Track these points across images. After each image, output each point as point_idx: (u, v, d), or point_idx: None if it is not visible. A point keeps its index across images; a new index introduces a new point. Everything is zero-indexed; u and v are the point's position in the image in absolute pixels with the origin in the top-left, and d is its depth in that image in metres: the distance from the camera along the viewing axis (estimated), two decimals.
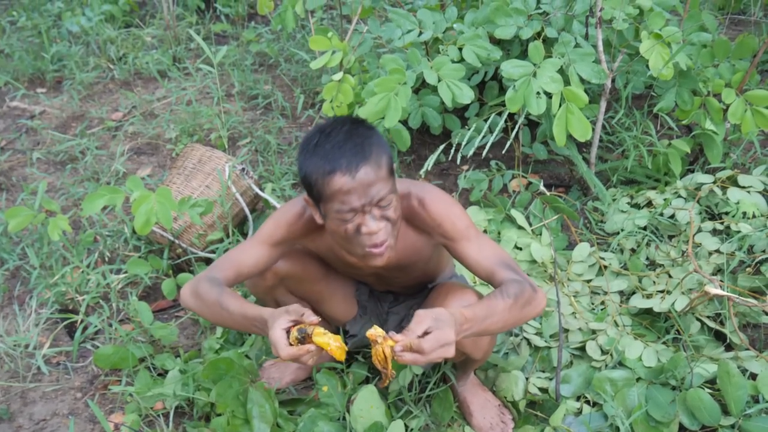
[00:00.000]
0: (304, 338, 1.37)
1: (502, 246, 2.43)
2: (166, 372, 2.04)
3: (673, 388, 1.85)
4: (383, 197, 1.42)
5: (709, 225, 2.37)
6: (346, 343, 1.96)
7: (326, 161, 1.39)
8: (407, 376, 1.92)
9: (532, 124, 2.93)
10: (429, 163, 2.57)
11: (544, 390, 1.96)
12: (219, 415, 1.84)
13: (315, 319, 1.40)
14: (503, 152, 2.93)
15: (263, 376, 2.04)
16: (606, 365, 1.98)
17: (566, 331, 2.10)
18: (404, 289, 1.92)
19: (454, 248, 1.59)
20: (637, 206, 2.62)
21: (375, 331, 1.33)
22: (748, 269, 2.22)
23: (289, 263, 1.74)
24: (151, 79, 4.00)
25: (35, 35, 4.39)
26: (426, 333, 1.29)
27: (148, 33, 4.41)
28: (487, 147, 2.58)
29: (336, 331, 1.99)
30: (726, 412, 1.76)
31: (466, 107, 2.97)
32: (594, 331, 2.09)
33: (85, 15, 4.42)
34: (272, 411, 1.81)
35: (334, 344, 1.37)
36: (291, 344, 1.37)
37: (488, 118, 2.66)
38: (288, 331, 1.39)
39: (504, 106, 2.43)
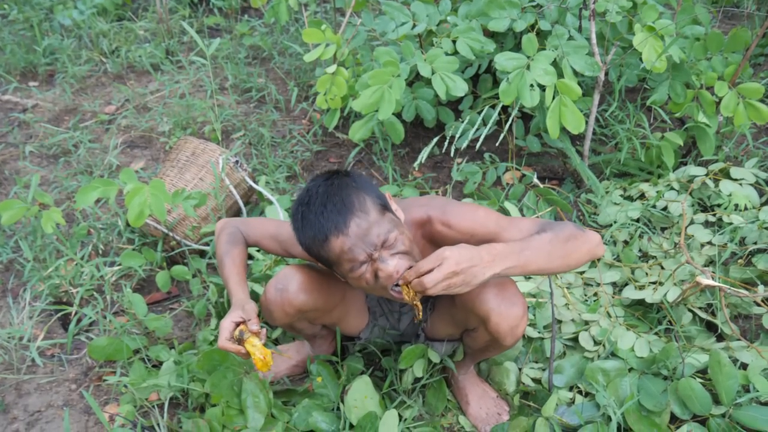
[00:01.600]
0: (240, 340, 1.55)
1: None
2: (161, 363, 2.04)
3: (665, 378, 1.86)
4: (385, 239, 1.44)
5: (701, 217, 2.38)
6: (354, 343, 1.99)
7: (316, 231, 1.42)
8: (420, 365, 1.92)
9: (525, 117, 2.93)
10: (423, 156, 2.57)
11: (537, 381, 1.97)
12: (214, 405, 1.84)
13: (255, 329, 1.55)
14: (497, 145, 2.93)
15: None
16: (598, 356, 2.00)
17: (559, 322, 2.11)
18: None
19: (496, 242, 1.58)
20: (630, 198, 2.63)
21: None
22: (739, 261, 2.23)
23: (311, 297, 1.70)
24: (144, 73, 3.99)
25: (27, 28, 4.36)
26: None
27: (140, 26, 4.39)
28: (481, 139, 2.58)
29: (347, 340, 2.03)
30: (717, 401, 1.77)
31: (459, 100, 2.98)
32: (587, 322, 2.10)
33: (77, 8, 4.40)
34: (266, 401, 1.82)
35: (258, 355, 1.53)
36: (232, 338, 1.55)
37: (482, 111, 2.67)
38: (237, 325, 1.56)
39: (497, 98, 2.44)
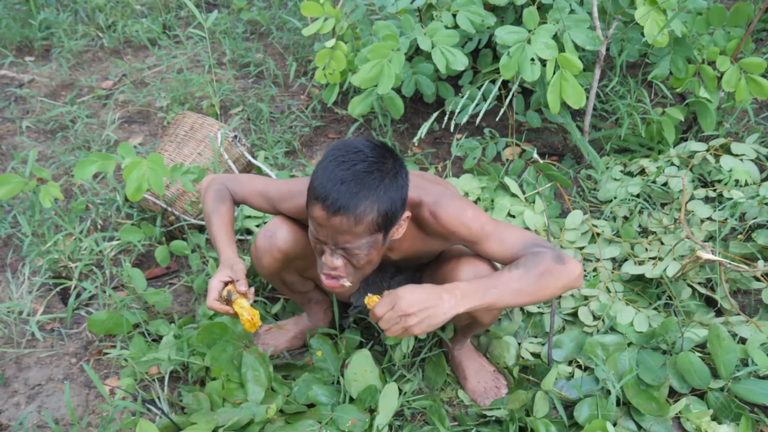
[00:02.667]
0: (228, 301, 1.56)
1: (495, 214, 2.44)
2: (161, 338, 2.05)
3: (664, 353, 1.87)
4: (350, 248, 1.43)
5: (701, 192, 2.38)
6: (348, 313, 1.99)
7: (321, 187, 1.38)
8: (410, 343, 1.93)
9: (525, 92, 2.92)
10: (422, 131, 2.56)
11: (536, 355, 1.98)
12: (214, 379, 1.85)
13: (243, 289, 1.56)
14: (497, 120, 2.92)
15: (257, 342, 2.05)
16: (598, 330, 2.00)
17: (558, 297, 2.11)
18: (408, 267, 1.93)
19: (475, 249, 1.58)
20: (630, 174, 2.62)
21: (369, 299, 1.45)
22: (739, 236, 2.23)
23: (298, 243, 1.72)
24: (141, 47, 3.95)
25: (22, 2, 4.31)
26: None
27: (137, 1, 4.34)
28: (481, 115, 2.57)
29: (343, 307, 2.00)
30: (716, 375, 1.78)
31: (459, 75, 2.96)
32: (586, 297, 2.10)
33: None
34: (267, 375, 1.83)
35: (246, 316, 1.53)
36: (220, 298, 1.56)
37: (482, 86, 2.65)
38: (225, 284, 1.57)
39: (498, 73, 2.42)
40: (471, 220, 1.53)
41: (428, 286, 1.38)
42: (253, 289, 1.59)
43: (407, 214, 1.49)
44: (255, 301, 2.18)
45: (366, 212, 1.37)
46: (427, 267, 1.86)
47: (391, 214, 1.41)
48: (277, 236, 1.70)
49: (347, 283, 1.50)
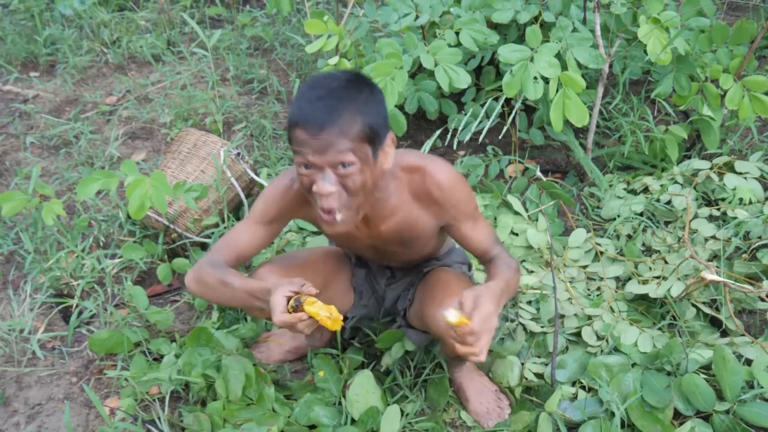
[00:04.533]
0: (298, 307, 1.40)
1: (498, 232, 2.43)
2: (162, 357, 2.04)
3: (669, 374, 1.85)
4: (341, 162, 1.34)
5: (705, 211, 2.37)
6: (344, 327, 1.98)
7: (298, 112, 1.34)
8: (399, 349, 1.93)
9: (528, 110, 2.92)
10: (425, 148, 2.56)
11: (539, 375, 1.97)
12: (215, 399, 1.84)
13: (313, 290, 1.42)
14: (500, 137, 2.92)
15: (253, 352, 2.06)
16: (601, 351, 1.99)
17: (562, 316, 2.10)
18: (403, 264, 1.90)
19: (457, 228, 1.59)
20: (633, 192, 2.61)
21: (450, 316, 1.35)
22: (744, 255, 2.22)
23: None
24: (146, 63, 3.97)
25: (28, 18, 4.34)
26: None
27: (142, 16, 4.36)
28: (484, 132, 2.57)
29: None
30: (721, 397, 1.76)
31: (462, 92, 2.96)
32: (590, 317, 2.09)
33: None
34: (268, 396, 1.82)
35: (323, 314, 1.38)
36: (288, 312, 1.40)
37: (485, 103, 2.65)
38: (288, 300, 1.41)
39: (501, 91, 2.42)
40: (468, 197, 1.58)
41: (486, 293, 1.37)
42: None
43: (392, 135, 1.44)
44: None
45: (350, 122, 1.32)
46: (420, 284, 1.85)
47: (375, 126, 1.37)
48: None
49: (339, 215, 1.41)
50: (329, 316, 1.39)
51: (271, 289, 1.44)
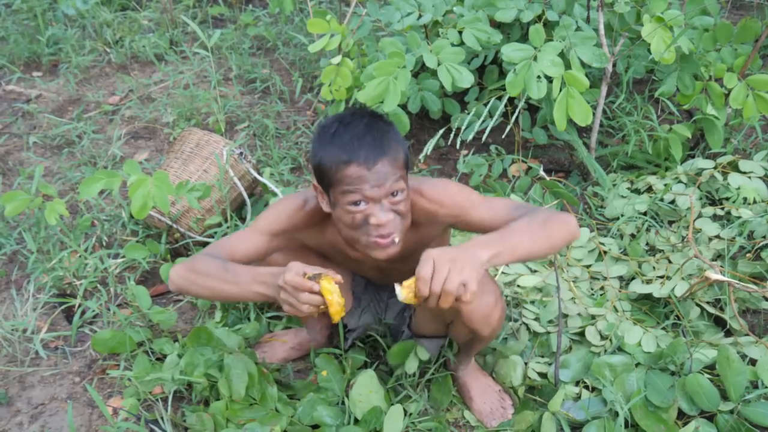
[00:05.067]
0: (314, 279, 1.34)
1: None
2: (165, 356, 2.03)
3: (672, 374, 1.84)
4: (396, 190, 1.43)
5: (709, 210, 2.36)
6: (346, 337, 1.97)
7: (344, 151, 1.39)
8: (413, 362, 1.91)
9: (532, 109, 2.91)
10: (428, 148, 2.55)
11: (543, 375, 1.96)
12: (218, 399, 1.84)
13: (338, 277, 1.36)
14: (503, 137, 2.91)
15: (256, 352, 2.06)
16: (605, 350, 1.98)
17: (565, 316, 2.09)
18: (404, 277, 1.90)
19: (465, 221, 1.58)
20: (637, 191, 2.61)
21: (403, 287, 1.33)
22: (748, 255, 2.21)
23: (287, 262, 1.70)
24: (148, 63, 3.97)
25: (30, 18, 4.34)
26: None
27: (144, 16, 4.37)
28: (487, 131, 2.56)
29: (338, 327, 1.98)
30: (725, 397, 1.75)
31: (465, 91, 2.95)
32: (593, 317, 2.08)
33: None
34: (270, 395, 1.82)
35: (336, 298, 1.33)
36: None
37: (488, 103, 2.64)
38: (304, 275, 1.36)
39: (504, 90, 2.41)
40: (457, 192, 1.57)
41: (445, 248, 1.33)
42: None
43: None
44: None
45: (396, 152, 1.42)
46: None
47: (407, 152, 1.48)
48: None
49: (397, 239, 1.46)
50: (339, 301, 1.34)
51: (289, 264, 1.39)
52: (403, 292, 1.32)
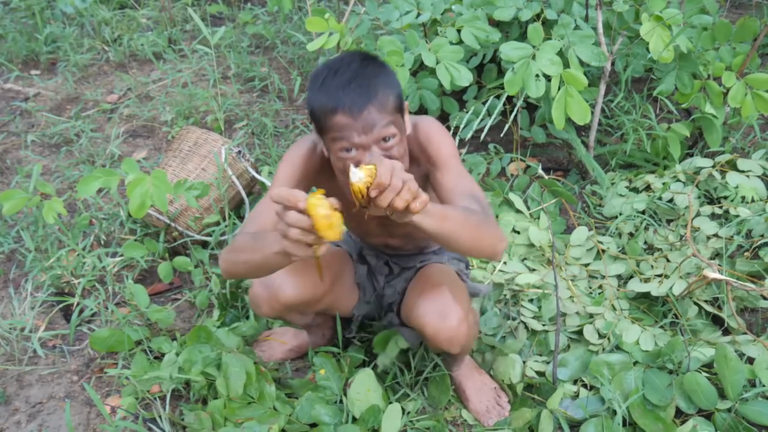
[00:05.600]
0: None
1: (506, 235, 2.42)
2: (163, 355, 2.03)
3: (670, 372, 1.85)
4: (386, 135, 1.39)
5: (707, 209, 2.36)
6: (351, 328, 1.97)
7: (330, 99, 1.37)
8: (393, 350, 1.93)
9: (530, 107, 2.91)
10: None
11: (541, 373, 1.96)
12: (216, 398, 1.84)
13: (334, 201, 1.15)
14: (501, 135, 2.91)
15: (255, 351, 2.06)
16: (603, 349, 1.98)
17: (564, 314, 2.09)
18: (403, 242, 1.87)
19: (434, 175, 1.54)
20: (635, 190, 2.61)
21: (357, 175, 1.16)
22: (746, 253, 2.21)
23: (298, 293, 1.67)
24: (147, 61, 3.97)
25: (29, 16, 4.34)
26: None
27: (143, 14, 4.36)
28: (486, 130, 2.56)
29: (344, 322, 1.97)
30: (723, 396, 1.76)
31: (464, 90, 2.95)
32: (591, 315, 2.08)
33: None
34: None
35: (322, 211, 1.11)
36: None
37: (486, 101, 2.64)
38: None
39: (502, 88, 2.41)
40: (445, 145, 1.54)
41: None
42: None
43: (406, 102, 1.50)
44: None
45: (385, 97, 1.38)
46: (412, 272, 1.87)
47: (401, 96, 1.44)
48: (275, 286, 1.65)
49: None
50: (327, 218, 1.12)
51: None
52: (363, 171, 1.15)
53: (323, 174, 1.62)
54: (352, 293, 1.93)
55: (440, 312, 1.58)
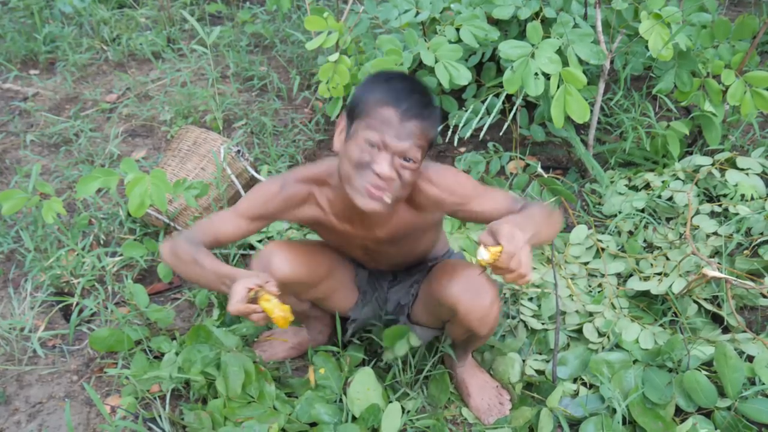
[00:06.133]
0: (255, 300, 1.43)
1: None
2: (163, 355, 2.03)
3: (670, 371, 1.85)
4: (411, 157, 1.42)
5: (707, 207, 2.36)
6: (346, 327, 1.97)
7: (390, 94, 1.39)
8: (403, 347, 1.92)
9: (529, 106, 2.91)
10: None
11: (540, 372, 1.96)
12: (216, 397, 1.84)
13: (275, 290, 1.43)
14: (501, 134, 2.91)
15: (255, 351, 2.06)
16: (603, 347, 1.98)
17: (563, 313, 2.09)
18: (397, 266, 1.91)
19: (469, 210, 1.59)
20: (635, 188, 2.61)
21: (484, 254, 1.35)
22: (745, 251, 2.21)
23: (294, 270, 1.70)
24: (146, 61, 3.96)
25: (27, 16, 4.33)
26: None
27: (141, 14, 4.35)
28: (485, 129, 2.56)
29: (342, 320, 1.98)
30: (722, 394, 1.76)
31: (463, 89, 2.95)
32: (591, 314, 2.09)
33: None
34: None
35: (278, 313, 1.41)
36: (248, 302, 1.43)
37: (486, 100, 2.64)
38: (250, 291, 1.44)
39: (502, 87, 2.41)
40: (465, 181, 1.59)
41: (497, 222, 1.36)
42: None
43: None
44: None
45: (431, 126, 1.43)
46: (417, 278, 1.88)
47: (437, 137, 1.49)
48: (271, 263, 1.67)
49: (388, 200, 1.44)
50: (283, 315, 1.42)
51: (237, 278, 1.46)
52: (489, 254, 1.33)
53: (288, 213, 1.66)
54: (351, 292, 1.93)
55: (474, 290, 1.59)
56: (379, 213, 1.47)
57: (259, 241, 2.45)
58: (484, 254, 1.33)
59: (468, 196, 1.58)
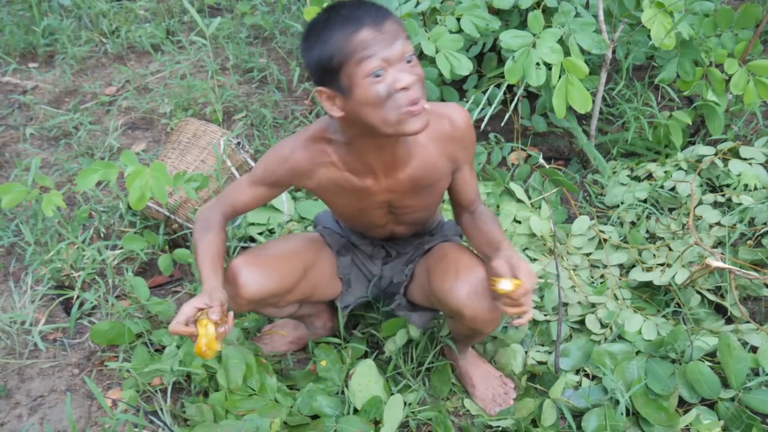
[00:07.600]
0: (195, 322, 1.46)
1: (500, 219, 2.41)
2: (164, 348, 2.03)
3: (673, 362, 1.84)
4: (408, 52, 1.34)
5: (710, 197, 2.35)
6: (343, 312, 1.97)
7: (348, 23, 1.30)
8: (402, 337, 1.93)
9: (531, 96, 2.89)
10: None
11: (543, 363, 1.96)
12: (217, 390, 1.83)
13: (215, 318, 1.43)
14: (502, 125, 2.89)
15: (256, 341, 2.06)
16: (605, 339, 1.98)
17: (565, 304, 2.09)
18: (406, 229, 1.84)
19: (460, 171, 1.65)
20: (637, 179, 2.59)
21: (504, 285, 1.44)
22: (749, 242, 2.20)
23: (262, 286, 1.65)
24: (145, 53, 3.95)
25: (26, 8, 4.31)
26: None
27: (140, 6, 4.34)
28: (486, 119, 2.55)
29: (333, 307, 1.97)
30: (726, 385, 1.75)
31: (464, 79, 2.93)
32: (593, 305, 2.08)
33: None
34: (270, 386, 1.81)
35: (203, 341, 1.43)
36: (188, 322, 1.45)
37: (487, 90, 2.62)
38: (200, 310, 1.46)
39: (503, 77, 2.39)
40: (474, 140, 1.63)
41: (513, 254, 1.49)
42: (231, 315, 1.49)
43: None
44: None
45: (396, 16, 1.36)
46: (423, 259, 1.83)
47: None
48: (237, 283, 1.64)
49: (426, 105, 1.37)
50: (204, 346, 1.43)
51: (203, 291, 1.50)
52: (512, 285, 1.42)
53: (301, 179, 1.62)
54: (332, 283, 1.89)
55: (481, 294, 1.56)
56: (424, 126, 1.38)
57: (260, 234, 2.44)
58: (508, 285, 1.42)
59: (470, 159, 1.65)
